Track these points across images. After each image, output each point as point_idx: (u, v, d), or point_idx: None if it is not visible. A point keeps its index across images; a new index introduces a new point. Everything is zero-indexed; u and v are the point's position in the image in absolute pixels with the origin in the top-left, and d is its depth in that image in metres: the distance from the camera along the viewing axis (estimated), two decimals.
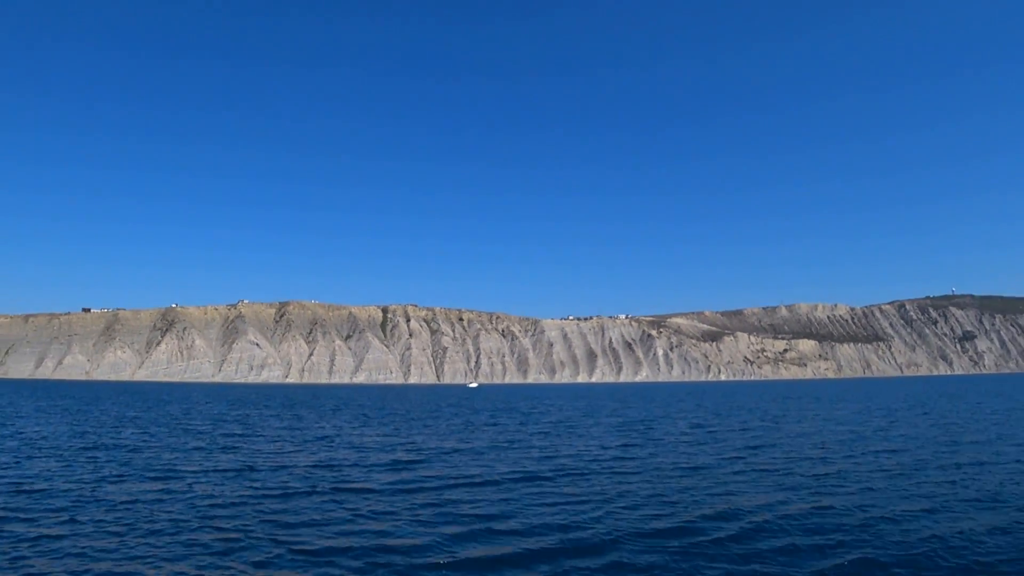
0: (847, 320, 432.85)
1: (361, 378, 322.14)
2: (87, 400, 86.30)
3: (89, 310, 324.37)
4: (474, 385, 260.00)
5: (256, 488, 20.62)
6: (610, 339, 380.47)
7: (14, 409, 64.02)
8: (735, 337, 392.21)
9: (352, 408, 75.48)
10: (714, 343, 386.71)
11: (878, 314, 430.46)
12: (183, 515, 16.73)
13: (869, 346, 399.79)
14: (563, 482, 21.25)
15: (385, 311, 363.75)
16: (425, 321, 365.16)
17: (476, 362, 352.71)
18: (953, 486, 19.92)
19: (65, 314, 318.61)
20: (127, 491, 19.94)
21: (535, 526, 15.07)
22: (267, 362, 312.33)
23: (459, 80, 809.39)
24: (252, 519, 16.25)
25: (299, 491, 20.02)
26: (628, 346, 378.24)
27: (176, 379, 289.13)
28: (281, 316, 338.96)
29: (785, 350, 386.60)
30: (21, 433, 38.73)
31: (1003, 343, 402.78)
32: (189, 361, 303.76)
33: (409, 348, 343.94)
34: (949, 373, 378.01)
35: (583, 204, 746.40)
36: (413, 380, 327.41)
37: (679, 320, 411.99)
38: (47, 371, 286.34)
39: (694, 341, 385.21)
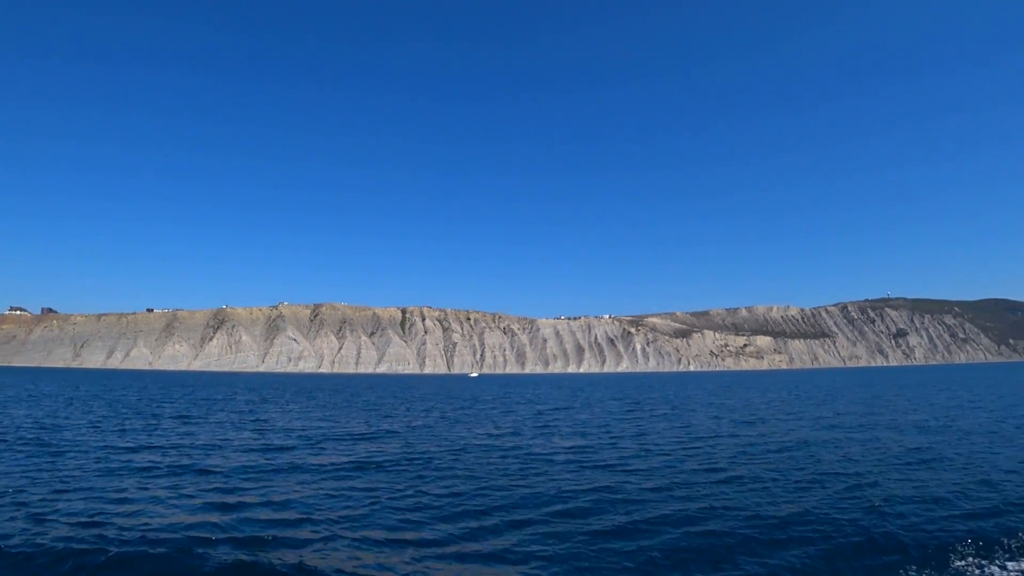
0: (798, 319, 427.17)
1: (383, 368, 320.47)
2: (113, 387, 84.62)
3: (152, 310, 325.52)
4: (475, 375, 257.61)
5: (111, 464, 18.94)
6: (596, 335, 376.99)
7: (34, 389, 62.56)
8: (702, 334, 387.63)
9: (333, 395, 73.35)
10: (684, 339, 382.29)
11: (824, 314, 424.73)
12: (9, 487, 15.42)
13: (817, 341, 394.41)
14: (396, 470, 18.93)
15: (404, 312, 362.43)
16: (438, 320, 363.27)
17: (481, 355, 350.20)
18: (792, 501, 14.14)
19: (132, 314, 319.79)
20: None
21: (271, 520, 12.68)
22: (303, 355, 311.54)
23: (466, 99, 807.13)
24: (60, 491, 15.03)
25: (145, 469, 18.20)
26: (611, 341, 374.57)
27: (225, 369, 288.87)
28: (315, 316, 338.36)
29: (745, 345, 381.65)
30: (5, 415, 37.10)
31: (931, 339, 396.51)
32: (237, 354, 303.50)
33: (424, 343, 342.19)
34: (885, 364, 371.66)
35: (574, 213, 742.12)
36: (427, 370, 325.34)
37: (654, 319, 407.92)
38: (116, 362, 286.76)
39: (667, 337, 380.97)
